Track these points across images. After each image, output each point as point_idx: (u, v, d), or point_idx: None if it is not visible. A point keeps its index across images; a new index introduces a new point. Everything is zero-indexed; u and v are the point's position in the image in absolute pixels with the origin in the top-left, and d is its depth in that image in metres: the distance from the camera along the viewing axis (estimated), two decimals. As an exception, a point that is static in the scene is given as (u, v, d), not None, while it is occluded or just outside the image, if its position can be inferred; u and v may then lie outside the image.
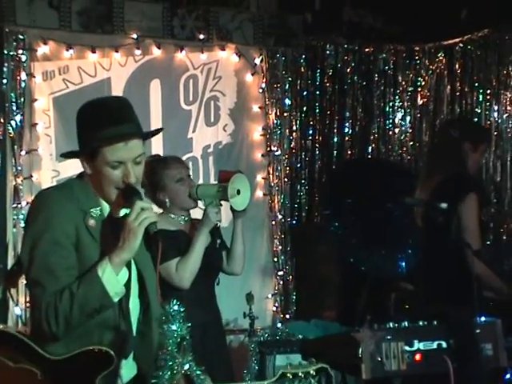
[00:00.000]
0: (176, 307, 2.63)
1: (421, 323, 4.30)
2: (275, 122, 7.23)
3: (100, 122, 2.83)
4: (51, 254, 2.76)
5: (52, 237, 2.76)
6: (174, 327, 2.61)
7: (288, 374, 2.92)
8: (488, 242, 7.16)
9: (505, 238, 7.30)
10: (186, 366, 2.63)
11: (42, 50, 6.34)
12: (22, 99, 6.27)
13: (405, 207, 5.36)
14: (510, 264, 7.15)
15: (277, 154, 7.23)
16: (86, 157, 2.87)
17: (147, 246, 2.92)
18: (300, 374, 2.92)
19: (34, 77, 6.32)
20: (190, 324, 2.67)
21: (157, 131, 3.23)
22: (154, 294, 2.95)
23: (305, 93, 7.54)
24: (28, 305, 5.83)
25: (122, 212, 2.95)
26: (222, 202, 4.34)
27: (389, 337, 4.18)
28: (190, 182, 4.45)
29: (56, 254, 2.76)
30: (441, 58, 7.64)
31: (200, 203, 4.44)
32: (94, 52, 6.49)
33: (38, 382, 2.71)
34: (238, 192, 4.28)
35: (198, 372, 2.70)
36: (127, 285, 2.88)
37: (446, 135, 5.30)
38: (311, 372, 2.93)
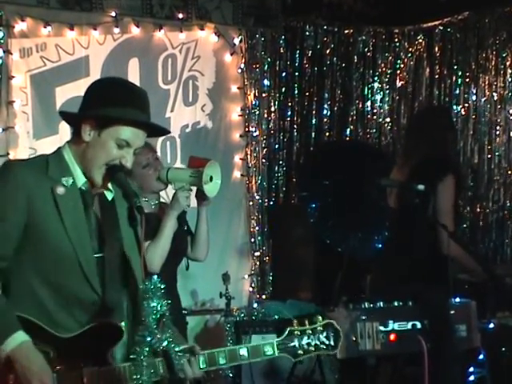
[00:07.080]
0: (157, 284, 2.64)
1: (396, 304, 4.34)
2: (254, 102, 7.21)
3: (127, 99, 2.86)
4: None
5: None
6: (153, 304, 2.61)
7: (296, 332, 3.02)
8: (464, 225, 7.20)
9: (481, 222, 7.33)
10: (165, 343, 2.64)
11: (20, 26, 6.27)
12: (-1, 76, 6.23)
13: (380, 189, 5.37)
14: (485, 247, 7.22)
15: (255, 134, 7.22)
16: (95, 122, 2.84)
17: (130, 223, 2.93)
18: (308, 331, 3.02)
19: (11, 54, 6.25)
20: (170, 301, 2.68)
21: (161, 133, 3.20)
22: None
23: (284, 74, 7.52)
24: None
25: (110, 196, 2.96)
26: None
27: (364, 317, 4.22)
28: (158, 166, 4.40)
29: None
30: (420, 40, 7.64)
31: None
32: (72, 29, 6.43)
33: (51, 360, 2.75)
34: (211, 179, 4.27)
35: (177, 349, 2.71)
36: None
37: (424, 119, 5.33)
38: (318, 328, 3.04)
